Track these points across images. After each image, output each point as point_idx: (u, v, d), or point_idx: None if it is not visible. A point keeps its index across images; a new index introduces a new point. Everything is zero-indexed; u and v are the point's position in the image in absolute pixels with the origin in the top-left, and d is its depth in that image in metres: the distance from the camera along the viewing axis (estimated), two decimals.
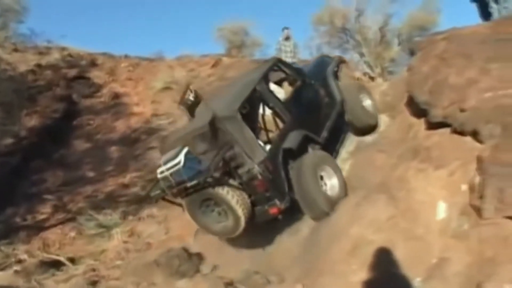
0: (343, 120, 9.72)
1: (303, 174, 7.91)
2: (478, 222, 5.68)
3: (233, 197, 7.52)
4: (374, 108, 10.11)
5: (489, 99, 6.68)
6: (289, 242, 8.45)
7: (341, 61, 11.11)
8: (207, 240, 9.84)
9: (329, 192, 8.10)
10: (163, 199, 8.22)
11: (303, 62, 13.78)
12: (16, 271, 10.17)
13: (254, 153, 7.70)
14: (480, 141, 6.51)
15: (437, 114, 7.42)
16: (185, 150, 7.59)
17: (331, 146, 9.33)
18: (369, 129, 9.94)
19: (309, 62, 10.64)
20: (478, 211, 5.75)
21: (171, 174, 7.46)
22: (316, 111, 9.18)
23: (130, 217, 12.08)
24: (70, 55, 20.67)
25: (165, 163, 7.57)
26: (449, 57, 7.81)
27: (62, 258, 10.68)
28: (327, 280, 6.87)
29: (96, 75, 19.84)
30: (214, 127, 7.66)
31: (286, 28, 14.13)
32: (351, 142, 10.00)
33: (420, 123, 8.16)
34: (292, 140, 8.10)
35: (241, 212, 7.54)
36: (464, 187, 6.34)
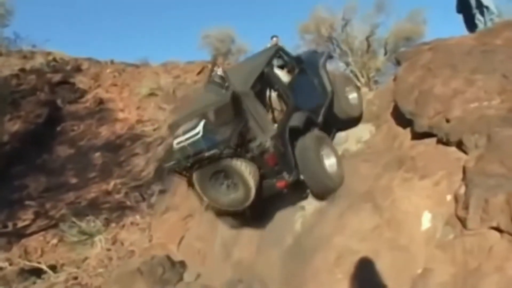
0: (332, 114, 9.96)
1: (307, 152, 8.23)
2: (463, 233, 5.66)
3: (246, 168, 7.70)
4: (359, 101, 10.44)
5: (474, 109, 6.71)
6: (272, 251, 8.39)
7: (330, 56, 11.70)
8: (190, 248, 9.80)
9: (329, 170, 8.38)
10: (176, 171, 8.28)
11: None
12: None
13: (266, 128, 8.05)
14: (465, 152, 6.54)
15: (422, 124, 7.43)
16: (203, 122, 7.76)
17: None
18: (352, 121, 10.23)
19: (300, 55, 10.83)
20: (463, 221, 5.73)
21: (189, 144, 7.65)
22: (313, 97, 9.58)
23: (113, 224, 11.98)
24: (54, 59, 20.57)
25: (184, 133, 7.75)
26: (435, 67, 7.85)
27: (43, 266, 10.56)
28: None
29: (81, 81, 19.74)
30: (233, 102, 7.93)
31: (275, 36, 14.15)
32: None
33: (406, 133, 8.18)
34: (297, 120, 8.42)
35: (252, 183, 7.69)
36: (449, 197, 6.34)
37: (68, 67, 20.36)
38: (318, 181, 8.27)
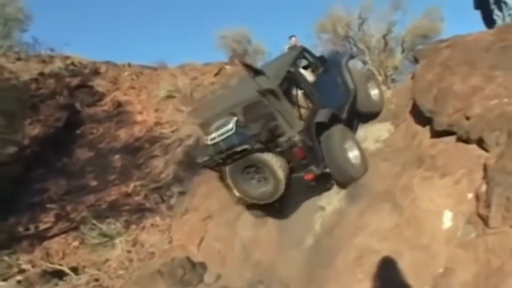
0: (355, 110, 10.25)
1: (333, 146, 8.54)
2: (485, 231, 5.62)
3: (276, 161, 8.10)
4: (381, 97, 10.75)
5: (494, 106, 6.63)
6: (292, 252, 8.39)
7: (352, 56, 11.91)
8: (210, 249, 9.82)
9: (353, 161, 8.68)
10: (207, 166, 8.71)
11: None
12: (18, 281, 10.14)
13: (294, 124, 8.37)
14: (485, 149, 6.47)
15: (442, 122, 7.37)
16: (235, 119, 8.19)
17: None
18: (373, 116, 10.55)
19: (323, 55, 11.05)
20: (484, 220, 5.69)
21: (222, 140, 8.09)
22: (337, 95, 9.91)
23: (133, 226, 12.04)
24: (73, 63, 20.68)
25: (217, 129, 8.18)
26: (453, 64, 7.77)
27: (65, 268, 10.62)
28: None
29: (99, 84, 19.82)
30: (261, 100, 8.31)
31: (293, 36, 14.14)
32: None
33: (425, 131, 8.11)
34: (323, 115, 8.68)
35: (282, 176, 8.06)
36: (470, 195, 6.29)
37: (87, 71, 20.46)
38: (343, 172, 8.53)
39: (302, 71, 9.78)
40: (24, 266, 10.70)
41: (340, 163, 8.48)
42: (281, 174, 8.07)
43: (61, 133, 16.78)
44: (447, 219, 6.42)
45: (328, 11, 22.96)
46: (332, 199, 8.86)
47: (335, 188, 9.05)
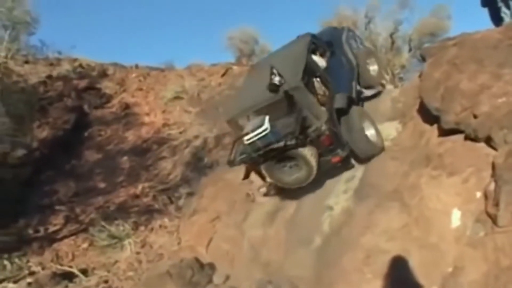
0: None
1: (353, 126, 9.16)
2: (494, 230, 5.60)
3: (308, 151, 8.60)
4: (379, 73, 11.40)
5: (502, 104, 6.60)
6: (301, 252, 8.39)
7: (349, 30, 12.63)
8: (219, 250, 9.83)
9: (371, 139, 9.27)
10: (244, 163, 9.22)
11: None
12: (29, 283, 10.18)
13: (319, 115, 8.90)
14: (494, 147, 6.45)
15: (449, 120, 7.35)
16: (267, 118, 8.58)
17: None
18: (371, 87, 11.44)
19: (322, 34, 11.30)
20: (493, 218, 5.66)
21: (258, 139, 8.49)
22: (345, 75, 10.35)
23: (142, 228, 12.06)
24: (80, 66, 20.73)
25: (253, 130, 8.54)
26: (460, 62, 7.74)
27: (74, 270, 10.66)
28: None
29: (107, 86, 19.86)
30: (287, 97, 8.84)
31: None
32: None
33: (432, 130, 8.09)
34: (341, 101, 9.25)
35: (314, 163, 8.60)
36: (479, 194, 6.27)
37: (94, 73, 20.50)
38: (364, 149, 9.10)
39: (314, 58, 10.08)
40: (34, 268, 10.75)
41: (361, 143, 9.07)
42: (313, 161, 8.59)
43: (70, 135, 16.83)
44: (455, 218, 6.40)
45: (335, 10, 22.99)
46: (340, 199, 8.86)
47: (343, 187, 9.06)
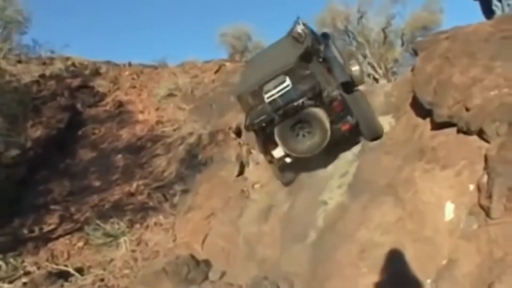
0: None
1: (362, 106, 9.66)
2: (487, 222, 5.62)
3: (323, 114, 8.99)
4: (361, 73, 11.58)
5: (494, 97, 6.63)
6: (296, 247, 8.41)
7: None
8: (214, 247, 9.84)
9: (376, 120, 9.79)
10: (255, 130, 9.47)
11: None
12: (24, 283, 10.14)
13: (330, 82, 9.44)
14: (486, 140, 6.47)
15: (442, 113, 7.37)
16: (288, 77, 9.11)
17: None
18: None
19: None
20: (486, 210, 5.69)
21: (280, 96, 8.97)
22: (338, 66, 10.66)
23: (137, 226, 12.03)
24: (73, 64, 20.67)
25: (275, 87, 9.06)
26: (452, 56, 7.75)
27: (70, 269, 10.63)
28: (335, 284, 6.87)
29: (100, 84, 19.81)
30: (301, 63, 9.41)
31: None
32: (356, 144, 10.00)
33: (426, 124, 8.11)
34: (344, 77, 9.90)
35: (328, 127, 8.91)
36: (472, 186, 6.30)
37: (87, 71, 20.44)
38: (372, 127, 9.55)
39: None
40: (29, 268, 10.71)
41: (368, 120, 9.51)
42: (327, 125, 8.90)
43: (63, 134, 16.77)
44: (449, 211, 6.43)
45: (327, 6, 23.03)
46: (334, 194, 8.90)
47: (337, 182, 9.11)
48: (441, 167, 6.92)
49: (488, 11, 9.79)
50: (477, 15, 10.27)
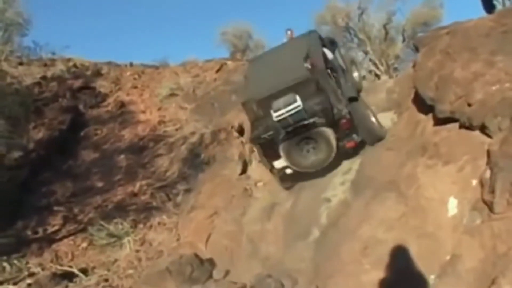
0: None
1: (363, 113, 9.77)
2: (490, 217, 5.61)
3: (331, 133, 9.06)
4: (360, 78, 11.96)
5: (495, 92, 6.61)
6: (300, 245, 8.42)
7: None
8: (218, 245, 9.84)
9: (376, 124, 9.90)
10: (261, 144, 9.61)
11: None
12: (29, 285, 10.15)
13: (340, 100, 9.39)
14: (488, 135, 6.46)
15: (444, 109, 7.36)
16: (298, 96, 8.91)
17: None
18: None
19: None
20: (489, 205, 5.68)
21: (290, 115, 8.84)
22: (344, 72, 10.97)
23: (141, 226, 12.03)
24: (75, 65, 20.67)
25: (285, 106, 8.87)
26: (453, 51, 7.74)
27: (74, 270, 10.64)
28: (338, 281, 6.87)
29: (101, 85, 19.79)
30: (313, 78, 9.39)
31: (289, 29, 14.12)
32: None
33: (428, 119, 8.11)
34: (352, 91, 10.04)
35: (335, 145, 8.99)
36: (475, 182, 6.29)
37: (88, 72, 20.43)
38: (374, 133, 9.55)
39: (325, 50, 10.58)
40: (33, 269, 10.73)
41: (370, 127, 9.58)
42: (334, 143, 8.97)
43: (66, 135, 16.76)
44: (452, 207, 6.42)
45: (328, 3, 23.01)
46: (337, 191, 8.90)
47: (340, 180, 9.10)
48: (444, 163, 6.91)
49: (488, 6, 9.78)
50: (477, 10, 10.27)
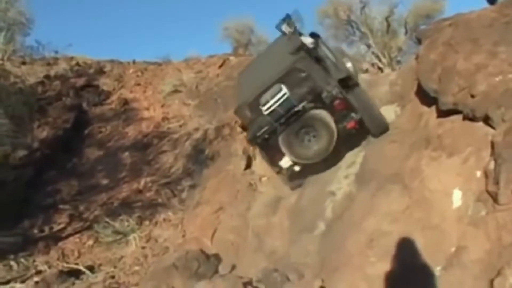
0: None
1: (367, 101, 9.72)
2: (495, 208, 5.61)
3: (327, 115, 8.93)
4: (354, 68, 11.54)
5: (499, 83, 6.59)
6: (305, 238, 8.43)
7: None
8: (223, 240, 9.87)
9: (380, 113, 9.74)
10: (259, 142, 9.45)
11: None
12: (36, 282, 10.21)
13: (328, 81, 9.20)
14: (492, 126, 6.44)
15: (447, 101, 7.34)
16: (283, 85, 8.99)
17: None
18: None
19: None
20: (494, 196, 5.67)
21: (279, 105, 8.86)
22: (331, 64, 10.55)
23: (146, 222, 12.09)
24: (77, 64, 20.69)
25: (272, 97, 8.94)
26: (456, 43, 7.71)
27: (81, 267, 10.72)
28: (344, 274, 6.88)
29: (105, 83, 19.80)
30: (295, 66, 9.37)
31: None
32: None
33: (431, 111, 8.09)
34: (340, 73, 9.77)
35: (333, 126, 8.87)
36: (479, 173, 6.28)
37: (91, 70, 20.45)
38: (377, 121, 9.43)
39: (306, 40, 10.40)
40: (40, 267, 10.80)
41: (376, 116, 9.44)
42: (333, 125, 8.85)
43: (70, 134, 16.80)
44: (456, 198, 6.42)
45: None
46: (342, 184, 8.91)
47: (344, 173, 9.11)
48: (448, 155, 6.91)
49: None
50: (480, 1, 10.23)
